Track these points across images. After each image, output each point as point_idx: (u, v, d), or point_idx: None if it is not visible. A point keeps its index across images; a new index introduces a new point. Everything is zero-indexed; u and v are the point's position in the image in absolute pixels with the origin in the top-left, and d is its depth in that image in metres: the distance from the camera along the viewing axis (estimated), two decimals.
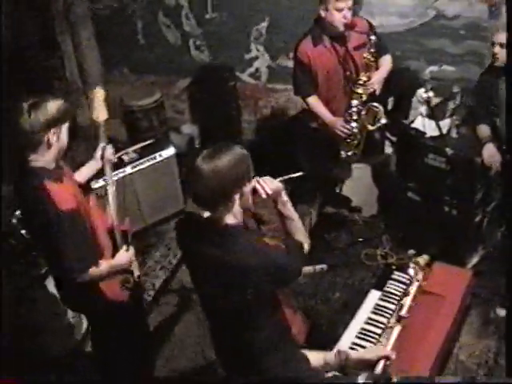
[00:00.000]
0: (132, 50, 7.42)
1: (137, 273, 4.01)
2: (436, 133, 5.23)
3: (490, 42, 5.04)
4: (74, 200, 3.50)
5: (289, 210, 3.34)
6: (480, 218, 5.43)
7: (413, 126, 5.47)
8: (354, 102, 5.19)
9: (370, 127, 5.19)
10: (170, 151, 5.87)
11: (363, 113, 5.19)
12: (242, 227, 3.14)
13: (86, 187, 4.01)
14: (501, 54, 4.87)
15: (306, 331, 3.94)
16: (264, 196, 3.20)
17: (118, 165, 5.56)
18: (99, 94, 4.04)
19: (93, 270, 3.56)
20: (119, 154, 5.65)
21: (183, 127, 7.27)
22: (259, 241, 3.10)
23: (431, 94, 5.24)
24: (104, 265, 3.66)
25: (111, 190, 3.95)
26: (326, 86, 5.31)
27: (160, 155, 5.80)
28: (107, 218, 3.93)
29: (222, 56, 7.04)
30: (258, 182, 3.20)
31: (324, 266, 5.45)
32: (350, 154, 5.36)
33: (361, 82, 5.14)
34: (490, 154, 5.10)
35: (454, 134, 5.35)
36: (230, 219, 3.07)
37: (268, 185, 3.20)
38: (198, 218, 3.24)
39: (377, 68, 5.21)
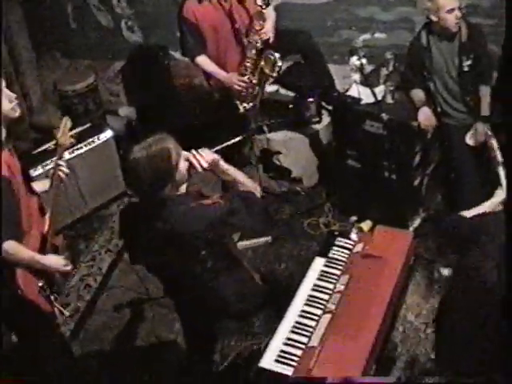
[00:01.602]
0: (63, 34, 7.30)
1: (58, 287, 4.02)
2: (371, 99, 5.28)
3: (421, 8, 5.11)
4: (8, 170, 3.52)
5: (232, 175, 3.52)
6: (419, 181, 5.52)
7: (348, 93, 5.51)
8: (249, 53, 5.18)
9: (271, 73, 5.17)
10: (107, 134, 5.82)
11: (262, 63, 5.16)
12: (177, 196, 3.35)
13: (31, 188, 4.01)
14: (449, 19, 4.93)
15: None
16: (200, 170, 3.39)
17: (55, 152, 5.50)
18: (67, 123, 4.18)
19: (13, 245, 3.52)
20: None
21: (120, 110, 7.18)
22: (196, 203, 3.34)
23: (364, 61, 5.31)
24: (29, 252, 3.64)
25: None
26: (216, 43, 5.29)
27: (98, 139, 5.74)
28: (43, 225, 3.89)
29: (155, 36, 6.99)
30: (194, 157, 3.35)
31: (268, 238, 5.48)
32: (248, 106, 5.35)
33: (254, 31, 5.11)
34: (426, 117, 5.18)
35: (389, 100, 5.40)
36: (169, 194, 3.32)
37: (203, 158, 3.38)
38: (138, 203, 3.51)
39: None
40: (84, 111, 6.57)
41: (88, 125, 5.87)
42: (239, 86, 5.21)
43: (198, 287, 3.59)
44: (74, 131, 5.58)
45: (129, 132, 6.89)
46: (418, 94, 5.28)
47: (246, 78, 5.20)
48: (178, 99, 6.87)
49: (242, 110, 5.34)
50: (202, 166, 3.39)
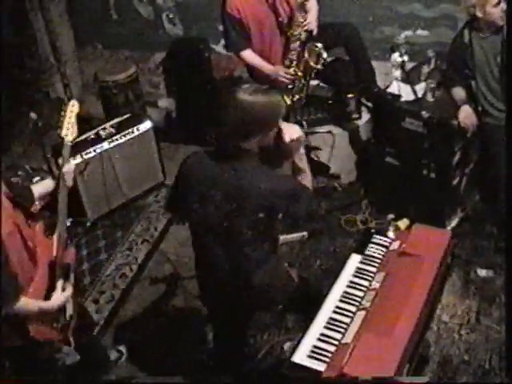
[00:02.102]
0: (105, 25, 7.37)
1: (69, 312, 3.69)
2: (412, 97, 5.26)
3: (465, 6, 5.05)
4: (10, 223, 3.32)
5: (303, 162, 3.64)
6: (458, 181, 5.47)
7: (388, 90, 5.48)
8: (293, 46, 5.17)
9: (315, 66, 5.16)
10: (146, 125, 5.85)
11: (306, 55, 5.16)
12: (255, 153, 3.34)
13: (33, 214, 3.68)
14: (496, 12, 4.87)
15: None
16: (287, 140, 3.37)
17: (96, 140, 5.56)
18: (74, 107, 3.86)
19: (22, 303, 3.30)
20: (96, 130, 5.64)
21: (160, 101, 7.24)
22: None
23: (405, 58, 5.27)
24: (34, 303, 3.42)
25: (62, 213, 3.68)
26: (260, 37, 5.27)
27: (137, 129, 5.78)
28: (52, 249, 3.61)
29: (196, 28, 7.03)
30: (285, 127, 3.38)
31: (304, 234, 5.45)
32: (296, 98, 5.33)
33: (297, 23, 5.11)
34: (466, 115, 5.13)
35: (429, 98, 5.36)
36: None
37: (292, 133, 3.39)
38: (209, 152, 3.45)
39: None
40: (124, 102, 6.59)
41: (128, 115, 5.90)
42: (285, 78, 5.19)
43: (233, 258, 3.52)
44: (113, 121, 5.77)
45: (168, 123, 6.94)
46: (459, 93, 5.23)
47: (291, 71, 5.19)
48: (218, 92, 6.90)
49: (289, 102, 5.30)
50: (290, 138, 3.38)
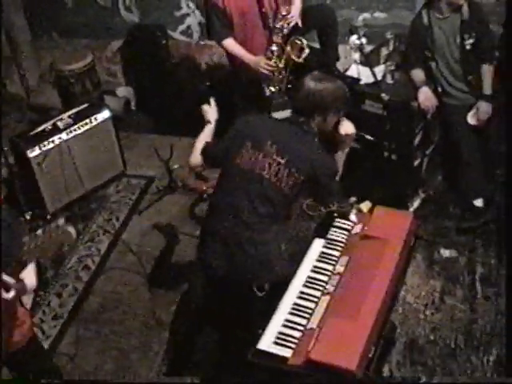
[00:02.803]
0: (60, 13, 7.24)
1: None
2: (371, 79, 5.24)
3: None
4: None
5: (342, 160, 4.05)
6: (419, 162, 5.49)
7: (347, 73, 5.46)
8: (275, 38, 5.17)
9: (297, 59, 5.17)
10: (105, 114, 5.76)
11: (288, 48, 5.15)
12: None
13: None
14: None
15: None
16: (342, 133, 3.91)
17: (53, 131, 5.47)
18: None
19: None
20: (54, 121, 5.55)
21: (118, 90, 7.16)
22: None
23: (364, 40, 5.25)
24: None
25: None
26: (243, 27, 5.26)
27: (95, 119, 5.69)
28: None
29: (153, 15, 6.93)
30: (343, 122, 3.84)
31: None
32: (274, 90, 5.32)
33: (281, 16, 5.12)
34: (426, 97, 5.15)
35: (389, 80, 5.35)
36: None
37: (347, 128, 3.90)
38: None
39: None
40: (81, 91, 6.52)
41: (85, 105, 5.81)
42: (266, 69, 5.16)
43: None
44: (71, 111, 5.69)
45: (127, 112, 6.86)
46: (418, 74, 5.24)
47: (272, 62, 5.16)
48: (178, 78, 6.84)
49: (268, 93, 5.32)
50: (345, 131, 3.93)
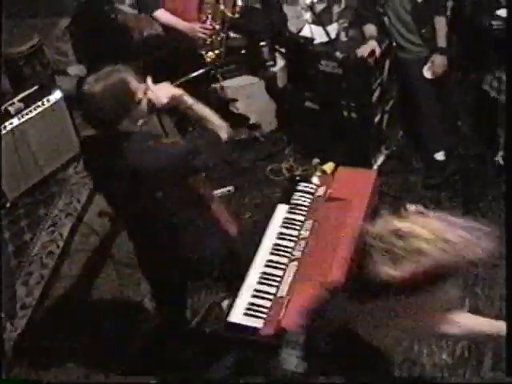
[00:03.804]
0: None
1: None
2: (325, 38, 5.18)
3: None
4: None
5: (197, 111, 3.36)
6: (379, 118, 5.45)
7: (301, 34, 5.40)
8: None
9: (232, 15, 5.10)
10: (56, 95, 5.64)
11: (221, 6, 5.07)
12: (135, 132, 3.22)
13: None
14: None
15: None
16: (160, 106, 3.28)
17: (5, 117, 5.33)
18: None
19: None
20: (4, 106, 5.41)
21: (69, 69, 7.01)
22: (156, 142, 3.23)
23: None
24: None
25: None
26: None
27: (47, 101, 5.56)
28: None
29: None
30: (152, 91, 3.25)
31: (230, 188, 5.39)
32: (215, 54, 5.24)
33: None
34: (365, 47, 5.05)
35: (342, 38, 5.34)
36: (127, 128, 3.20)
37: (163, 92, 3.27)
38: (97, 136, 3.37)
39: None
40: (31, 73, 6.34)
41: (35, 87, 5.66)
42: (202, 33, 5.04)
43: (158, 231, 3.47)
44: (21, 95, 5.55)
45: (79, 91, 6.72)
46: (369, 29, 5.19)
47: (208, 25, 5.04)
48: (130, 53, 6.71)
49: (208, 59, 5.20)
50: (161, 102, 3.27)
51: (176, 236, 3.44)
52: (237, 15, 5.07)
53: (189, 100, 3.33)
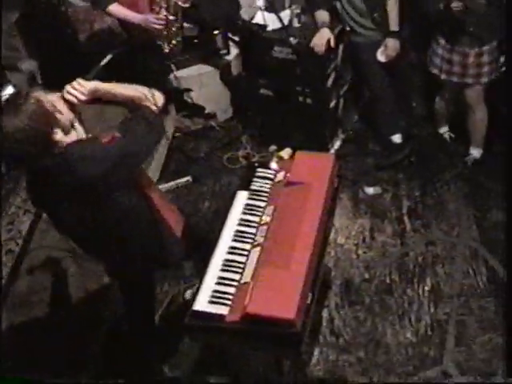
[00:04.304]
0: None
1: None
2: (278, 25, 5.20)
3: None
4: None
5: (118, 92, 3.25)
6: (335, 103, 5.48)
7: (254, 21, 5.39)
8: None
9: (184, 5, 5.07)
10: (8, 91, 5.57)
11: None
12: (74, 142, 3.05)
13: None
14: None
15: (183, 225, 3.83)
16: (82, 101, 3.11)
17: None
18: None
19: None
20: None
21: (21, 64, 6.90)
22: (93, 143, 3.08)
23: None
24: None
25: None
26: None
27: None
28: None
29: None
30: (69, 92, 3.09)
31: (188, 178, 5.38)
32: (172, 44, 5.20)
33: None
34: (319, 37, 5.05)
35: (295, 24, 5.31)
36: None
37: (81, 89, 3.10)
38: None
39: None
40: None
41: None
42: (157, 24, 5.01)
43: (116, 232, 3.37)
44: None
45: (32, 86, 6.64)
46: (321, 15, 5.19)
47: (161, 16, 5.01)
48: (81, 47, 6.64)
49: (167, 49, 5.17)
50: (81, 99, 3.10)
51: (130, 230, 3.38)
52: (188, 4, 5.02)
53: (105, 85, 3.21)
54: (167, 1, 5.00)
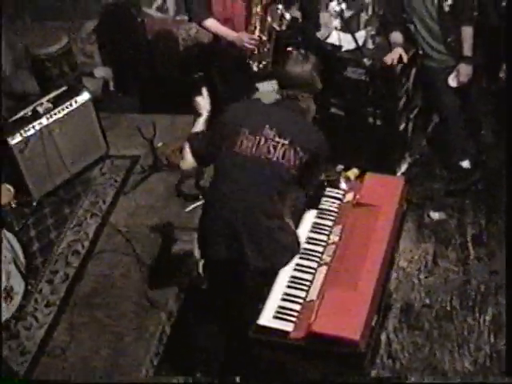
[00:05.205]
0: None
1: None
2: (352, 45, 5.22)
3: None
4: None
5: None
6: (404, 126, 5.48)
7: (328, 41, 5.42)
8: (255, 10, 5.07)
9: (279, 28, 5.11)
10: (84, 96, 5.66)
11: (268, 18, 5.08)
12: None
13: None
14: None
15: None
16: None
17: (33, 117, 5.38)
18: None
19: None
20: (33, 106, 5.46)
21: (96, 70, 7.06)
22: None
23: (344, 6, 5.20)
24: None
25: None
26: (222, 4, 5.13)
27: (75, 102, 5.58)
28: None
29: None
30: None
31: None
32: (262, 64, 5.24)
33: None
34: (393, 53, 5.08)
35: (370, 45, 5.37)
36: None
37: None
38: None
39: None
40: (59, 74, 6.37)
41: (64, 88, 5.71)
42: (250, 44, 5.08)
43: None
44: (50, 95, 5.60)
45: (106, 93, 6.78)
46: (396, 37, 5.22)
47: (255, 36, 5.08)
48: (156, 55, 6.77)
49: (255, 69, 5.23)
50: None
51: None
52: (283, 27, 5.09)
53: None
54: (262, 22, 5.07)
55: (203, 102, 3.95)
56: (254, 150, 3.52)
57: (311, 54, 3.78)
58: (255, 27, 5.08)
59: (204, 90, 3.98)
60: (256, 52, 5.15)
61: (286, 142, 3.50)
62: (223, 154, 3.60)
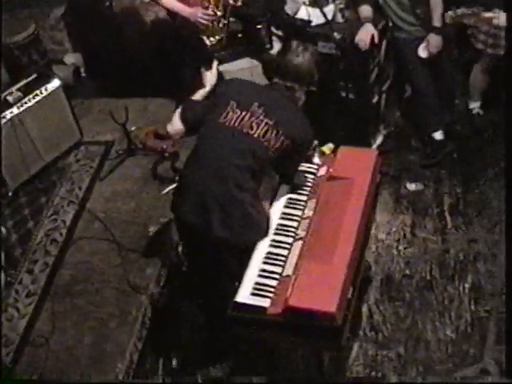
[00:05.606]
0: None
1: None
2: (322, 20, 5.19)
3: None
4: None
5: None
6: (377, 98, 5.47)
7: (297, 16, 5.39)
8: None
9: (234, 3, 5.11)
10: (55, 84, 5.59)
11: None
12: None
13: None
14: None
15: None
16: None
17: (4, 106, 5.32)
18: None
19: None
20: (3, 95, 5.40)
21: (66, 57, 6.98)
22: None
23: None
24: None
25: None
26: None
27: (45, 89, 5.51)
28: None
29: None
30: None
31: None
32: (216, 38, 5.23)
33: None
34: (363, 33, 5.07)
35: (339, 19, 5.32)
36: None
37: None
38: None
39: None
40: (28, 62, 6.31)
41: (34, 76, 5.65)
42: (204, 19, 5.04)
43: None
44: (19, 84, 5.54)
45: (77, 79, 6.72)
46: (365, 10, 5.20)
47: (210, 11, 5.04)
48: (126, 39, 6.69)
49: (209, 44, 5.20)
50: None
51: None
52: (239, 3, 5.06)
53: None
54: None
55: (210, 75, 4.04)
56: (237, 122, 3.55)
57: (310, 45, 3.78)
58: (209, 2, 5.04)
59: (214, 64, 4.08)
60: (211, 25, 5.12)
61: (271, 122, 3.52)
62: (207, 122, 3.66)
